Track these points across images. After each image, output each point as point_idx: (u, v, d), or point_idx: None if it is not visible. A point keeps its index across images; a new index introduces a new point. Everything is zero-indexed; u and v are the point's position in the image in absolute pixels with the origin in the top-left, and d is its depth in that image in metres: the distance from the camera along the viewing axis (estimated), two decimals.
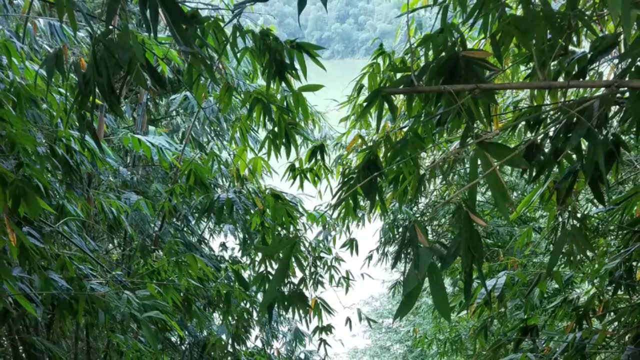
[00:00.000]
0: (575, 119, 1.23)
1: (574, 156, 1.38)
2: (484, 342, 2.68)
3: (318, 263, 3.49)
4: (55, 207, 2.17)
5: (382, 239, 4.52)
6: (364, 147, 2.09)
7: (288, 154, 2.01)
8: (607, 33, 1.66)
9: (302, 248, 3.11)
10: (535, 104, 1.70)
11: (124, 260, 3.18)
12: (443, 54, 1.32)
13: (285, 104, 1.93)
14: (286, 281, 2.09)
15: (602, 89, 1.33)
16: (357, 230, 3.92)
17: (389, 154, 1.57)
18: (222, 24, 1.60)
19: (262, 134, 2.69)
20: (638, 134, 1.48)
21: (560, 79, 1.46)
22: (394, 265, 3.62)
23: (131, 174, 3.33)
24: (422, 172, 1.70)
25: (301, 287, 1.87)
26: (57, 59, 1.35)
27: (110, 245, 3.70)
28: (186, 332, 3.08)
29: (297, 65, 1.65)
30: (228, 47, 1.61)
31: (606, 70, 1.95)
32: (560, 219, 2.13)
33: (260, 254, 2.75)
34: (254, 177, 2.78)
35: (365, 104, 1.43)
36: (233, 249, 3.96)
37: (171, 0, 1.24)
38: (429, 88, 1.29)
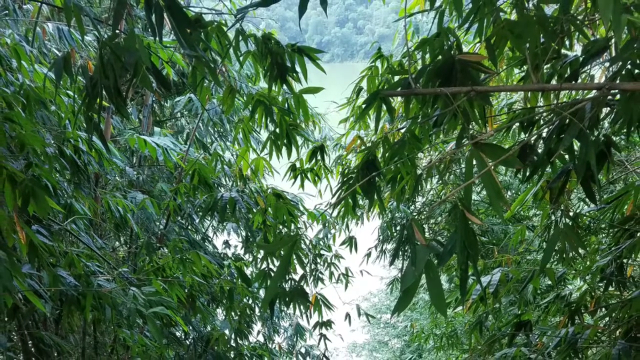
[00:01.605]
0: (567, 120, 1.23)
1: (567, 156, 1.40)
2: (479, 336, 2.72)
3: (318, 260, 3.53)
4: (64, 205, 2.19)
5: (381, 237, 4.54)
6: (363, 147, 2.12)
7: (289, 154, 2.05)
8: (598, 37, 1.68)
9: (303, 246, 3.15)
10: (529, 105, 1.74)
11: (130, 258, 3.21)
12: (439, 57, 1.33)
13: (286, 105, 1.96)
14: (287, 278, 2.13)
15: (594, 91, 1.36)
16: (356, 228, 3.96)
17: (387, 155, 1.59)
18: (225, 28, 1.63)
19: (264, 135, 2.72)
20: (628, 134, 1.50)
21: (553, 82, 1.46)
22: (392, 263, 3.67)
23: (137, 173, 3.35)
24: (419, 172, 1.73)
25: (302, 284, 1.90)
26: (65, 62, 1.37)
27: (117, 242, 3.73)
28: (190, 327, 3.11)
29: (298, 68, 1.66)
30: (231, 50, 1.63)
31: (597, 73, 1.97)
32: (553, 218, 2.16)
33: (262, 252, 2.79)
34: (256, 176, 2.80)
35: (364, 105, 1.45)
36: (236, 246, 4.01)
37: (176, 5, 1.26)
38: (425, 90, 1.31)
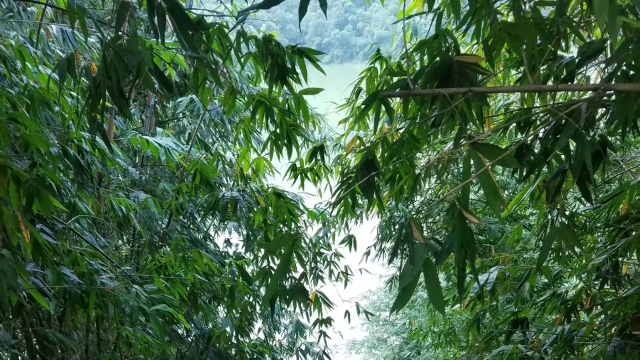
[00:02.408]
0: (564, 121, 1.24)
1: (563, 157, 1.40)
2: (476, 334, 2.73)
3: (318, 259, 3.56)
4: (68, 205, 2.20)
5: (380, 236, 4.56)
6: (362, 148, 2.15)
7: (290, 154, 2.07)
8: (594, 39, 1.69)
9: (303, 244, 3.18)
10: (525, 106, 1.76)
11: (133, 256, 3.24)
12: (438, 59, 1.35)
13: (287, 106, 1.98)
14: (288, 276, 2.15)
15: (590, 92, 1.38)
16: (356, 227, 3.97)
17: (386, 155, 1.61)
18: (226, 31, 1.64)
19: (264, 135, 2.75)
20: (624, 135, 1.51)
21: (550, 83, 1.47)
22: (391, 261, 3.69)
23: (140, 173, 3.38)
24: (417, 171, 1.74)
25: (302, 282, 1.92)
26: (69, 63, 1.39)
27: (120, 241, 3.75)
28: (192, 325, 3.13)
29: (298, 70, 1.67)
30: (232, 52, 1.65)
31: (593, 74, 1.99)
32: (549, 217, 2.17)
33: (263, 250, 2.82)
34: (257, 176, 2.83)
35: (363, 106, 1.47)
36: (237, 245, 4.04)
37: (178, 8, 1.28)
38: (424, 91, 1.32)
